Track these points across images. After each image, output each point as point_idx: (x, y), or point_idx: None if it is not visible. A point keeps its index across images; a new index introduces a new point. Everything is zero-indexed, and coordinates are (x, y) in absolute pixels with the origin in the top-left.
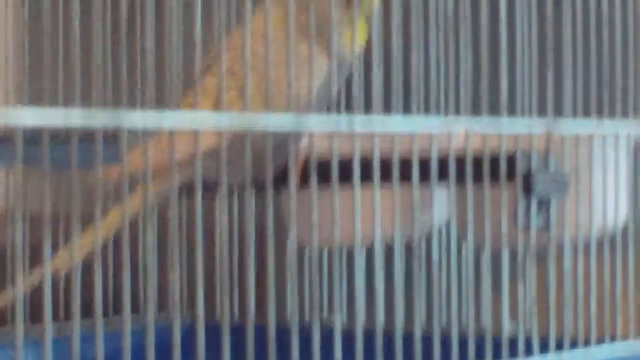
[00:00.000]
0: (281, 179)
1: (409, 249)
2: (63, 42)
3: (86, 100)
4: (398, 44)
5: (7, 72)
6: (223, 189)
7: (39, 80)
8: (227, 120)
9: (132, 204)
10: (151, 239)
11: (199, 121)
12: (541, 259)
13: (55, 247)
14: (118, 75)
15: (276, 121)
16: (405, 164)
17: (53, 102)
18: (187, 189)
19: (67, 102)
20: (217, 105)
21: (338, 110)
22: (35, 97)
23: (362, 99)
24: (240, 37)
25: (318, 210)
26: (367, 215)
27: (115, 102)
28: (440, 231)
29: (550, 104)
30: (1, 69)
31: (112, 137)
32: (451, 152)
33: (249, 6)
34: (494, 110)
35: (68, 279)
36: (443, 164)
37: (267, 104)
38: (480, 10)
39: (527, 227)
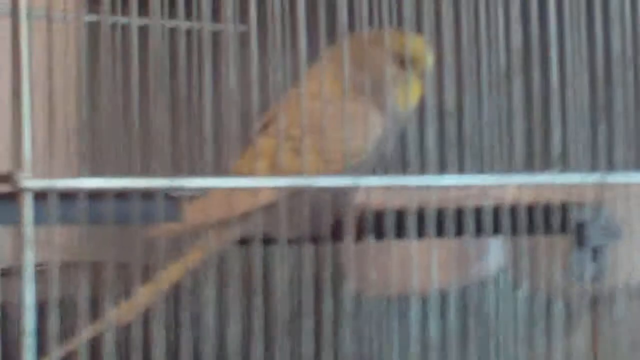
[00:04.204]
0: (335, 231)
1: (463, 298)
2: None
3: (145, 166)
4: (451, 100)
5: (69, 140)
6: (282, 242)
7: (99, 147)
8: (285, 183)
9: (191, 257)
10: (211, 292)
11: (257, 184)
12: (594, 307)
13: (117, 298)
14: (177, 141)
15: (333, 182)
16: (460, 214)
17: (114, 168)
18: (243, 243)
19: (128, 168)
20: (273, 165)
21: (392, 167)
22: (96, 164)
23: (417, 156)
24: (295, 97)
25: (374, 261)
26: (423, 265)
27: (174, 166)
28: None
29: (602, 158)
30: (62, 137)
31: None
32: (505, 204)
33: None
34: (547, 164)
35: (129, 331)
36: (497, 213)
37: (324, 164)
38: (532, 65)
39: (580, 277)
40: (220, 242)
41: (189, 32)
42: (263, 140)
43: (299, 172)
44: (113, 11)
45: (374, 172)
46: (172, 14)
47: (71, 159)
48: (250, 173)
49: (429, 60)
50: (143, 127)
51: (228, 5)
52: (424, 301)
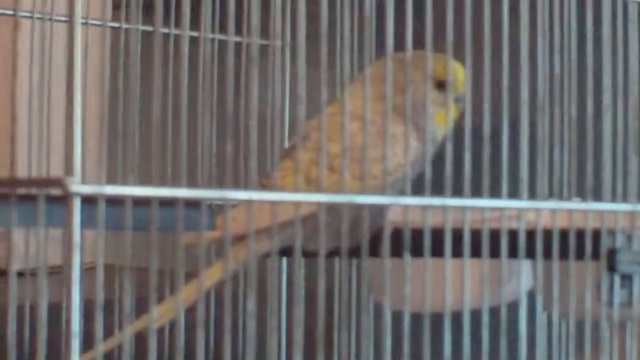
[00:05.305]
0: (369, 247)
1: (495, 316)
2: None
3: (191, 178)
4: (487, 125)
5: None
6: (321, 255)
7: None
8: (325, 199)
9: (229, 263)
10: (251, 304)
11: (298, 199)
12: (622, 332)
13: (160, 301)
14: (222, 155)
15: (372, 200)
16: (494, 236)
17: (160, 179)
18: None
19: (173, 179)
20: (307, 180)
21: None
22: (143, 174)
23: (452, 179)
24: (333, 115)
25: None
26: (456, 284)
27: (219, 179)
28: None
29: (634, 186)
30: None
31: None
32: (538, 228)
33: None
34: (580, 193)
35: (172, 332)
36: (530, 237)
37: (360, 182)
38: (570, 96)
39: (610, 303)
40: (257, 252)
41: (238, 45)
42: (300, 154)
43: (333, 188)
44: (166, 23)
45: (410, 191)
46: (223, 27)
47: (117, 167)
48: (287, 186)
49: (466, 84)
50: (190, 138)
51: (276, 22)
52: (456, 319)
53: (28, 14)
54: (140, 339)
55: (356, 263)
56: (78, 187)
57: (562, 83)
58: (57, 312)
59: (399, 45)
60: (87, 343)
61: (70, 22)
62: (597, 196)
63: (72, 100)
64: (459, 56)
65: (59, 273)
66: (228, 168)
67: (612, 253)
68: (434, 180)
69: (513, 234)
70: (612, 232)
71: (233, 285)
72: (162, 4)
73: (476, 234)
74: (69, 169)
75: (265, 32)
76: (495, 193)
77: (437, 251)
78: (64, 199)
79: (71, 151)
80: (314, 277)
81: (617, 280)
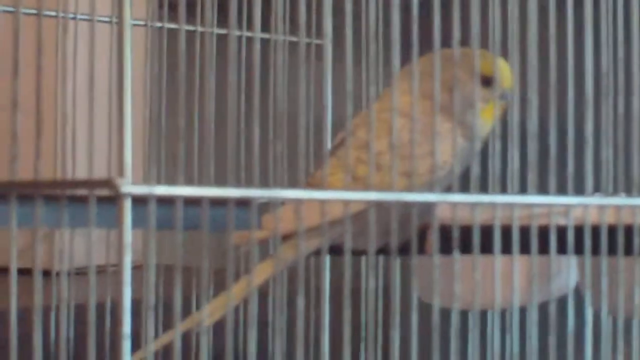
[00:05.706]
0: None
1: (543, 313)
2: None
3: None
4: (535, 121)
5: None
6: (370, 253)
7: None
8: (374, 197)
9: (278, 262)
10: (301, 302)
11: (347, 198)
12: None
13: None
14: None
15: (420, 198)
16: (542, 233)
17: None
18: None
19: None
20: (354, 178)
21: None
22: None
23: (499, 175)
24: (379, 111)
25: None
26: (506, 280)
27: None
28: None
29: None
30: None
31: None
32: (586, 224)
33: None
34: (627, 189)
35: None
36: (578, 232)
37: (407, 178)
38: (617, 91)
39: None
40: (305, 250)
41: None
42: (345, 151)
43: (379, 185)
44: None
45: (457, 188)
46: (249, 24)
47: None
48: (334, 185)
49: (511, 80)
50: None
51: (301, 20)
52: (504, 316)
53: (72, 16)
54: (184, 339)
55: (401, 261)
56: (129, 187)
57: (608, 79)
58: (101, 312)
59: (443, 42)
60: (133, 343)
61: (119, 24)
62: None
63: (122, 101)
64: (503, 52)
65: (102, 272)
66: (276, 168)
67: None
68: (481, 177)
69: (561, 230)
70: None
71: (280, 285)
72: (210, 4)
73: (524, 231)
74: (120, 169)
75: (309, 30)
76: (542, 189)
77: (486, 248)
78: (109, 200)
79: (122, 152)
80: (358, 276)
81: None
